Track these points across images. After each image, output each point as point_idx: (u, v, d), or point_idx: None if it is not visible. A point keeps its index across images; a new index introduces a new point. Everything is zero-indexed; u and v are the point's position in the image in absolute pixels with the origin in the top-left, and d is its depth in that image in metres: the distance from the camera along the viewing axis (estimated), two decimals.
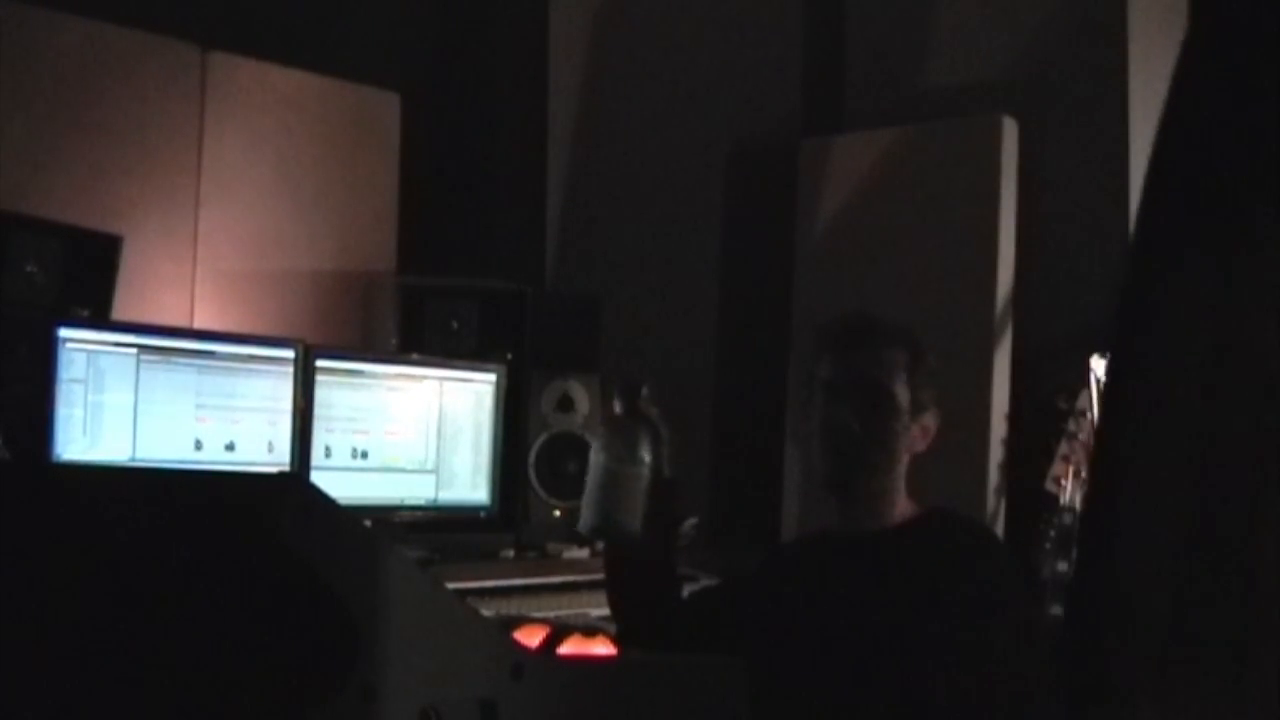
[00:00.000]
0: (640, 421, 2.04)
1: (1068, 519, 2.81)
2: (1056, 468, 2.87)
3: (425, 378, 3.25)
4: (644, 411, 2.06)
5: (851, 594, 1.90)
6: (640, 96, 4.16)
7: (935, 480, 2.04)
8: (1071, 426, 2.89)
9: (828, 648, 1.87)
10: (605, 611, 2.21)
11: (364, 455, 3.13)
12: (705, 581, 2.67)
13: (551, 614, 2.84)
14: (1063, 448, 2.88)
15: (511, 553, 3.27)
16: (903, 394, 1.94)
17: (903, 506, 1.98)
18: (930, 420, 1.98)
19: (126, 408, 2.78)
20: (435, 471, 3.24)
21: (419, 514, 3.23)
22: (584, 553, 3.24)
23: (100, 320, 2.91)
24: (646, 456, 2.02)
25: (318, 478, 2.69)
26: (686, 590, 2.25)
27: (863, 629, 1.85)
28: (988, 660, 1.79)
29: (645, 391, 2.07)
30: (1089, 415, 2.87)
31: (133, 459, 2.76)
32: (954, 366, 3.13)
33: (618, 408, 2.10)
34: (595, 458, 2.04)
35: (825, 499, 2.02)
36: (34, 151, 3.19)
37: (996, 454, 3.16)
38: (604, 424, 2.11)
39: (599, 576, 2.23)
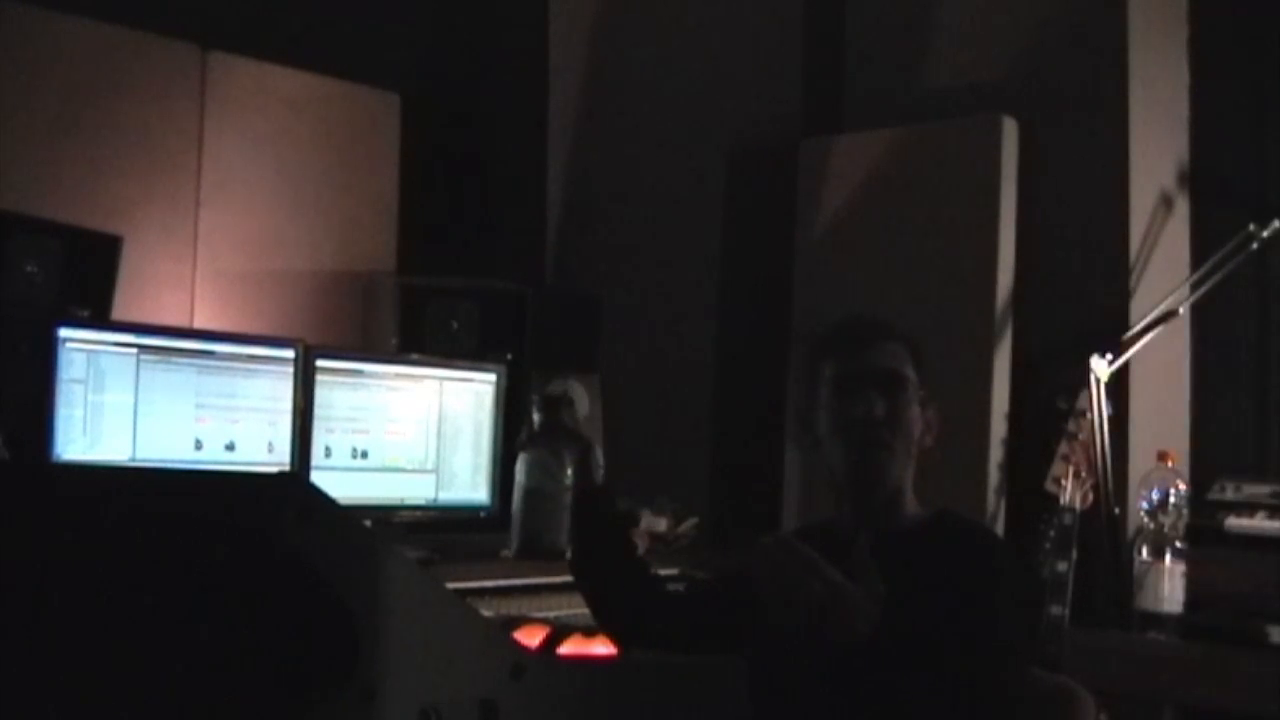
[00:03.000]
0: (561, 435, 2.04)
1: (1068, 519, 2.81)
2: (1056, 468, 2.87)
3: (425, 378, 3.25)
4: (565, 424, 2.06)
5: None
6: (640, 96, 4.16)
7: (935, 480, 2.04)
8: (1071, 426, 2.89)
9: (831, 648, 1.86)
10: None
11: (364, 455, 3.13)
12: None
13: (551, 614, 2.84)
14: (1063, 448, 2.88)
15: (511, 553, 3.27)
16: (913, 383, 1.95)
17: (910, 507, 1.98)
18: (933, 414, 1.99)
19: (126, 408, 2.78)
20: (435, 471, 3.24)
21: (419, 514, 3.22)
22: None
23: (100, 320, 2.91)
24: (568, 472, 2.02)
25: (318, 478, 2.69)
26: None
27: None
28: (989, 663, 1.79)
29: (566, 400, 2.07)
30: (1089, 415, 2.88)
31: (133, 459, 2.76)
32: (954, 366, 3.14)
33: (537, 421, 2.10)
34: (516, 479, 2.05)
35: (827, 499, 2.02)
36: (34, 151, 3.19)
37: (996, 454, 3.16)
38: (523, 442, 2.11)
39: None
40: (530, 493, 2.03)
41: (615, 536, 2.13)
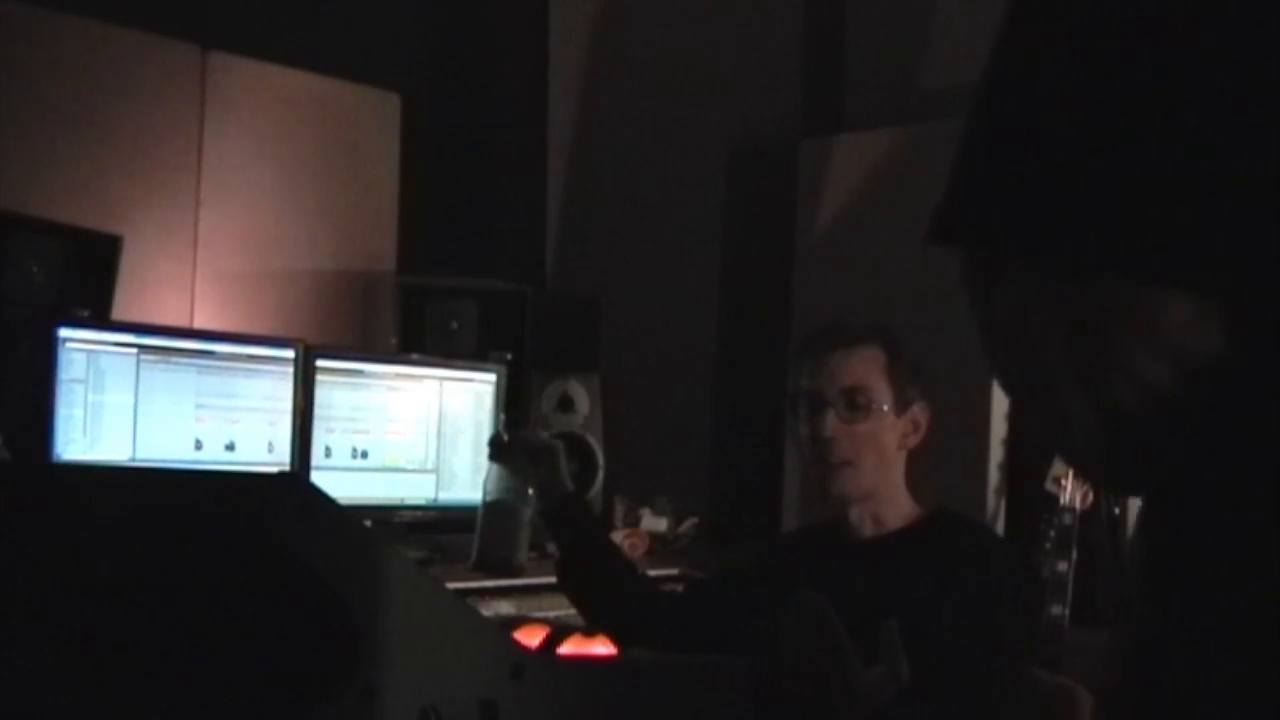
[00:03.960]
0: (521, 451, 2.07)
1: (1068, 519, 2.81)
2: (1056, 468, 2.87)
3: (425, 378, 3.25)
4: (526, 440, 2.10)
5: (853, 599, 1.89)
6: (640, 96, 4.16)
7: (935, 480, 2.04)
8: None
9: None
10: None
11: (364, 455, 3.13)
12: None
13: (551, 614, 2.84)
14: None
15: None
16: (882, 391, 1.93)
17: (905, 508, 1.97)
18: (920, 414, 1.97)
19: (126, 408, 2.78)
20: (435, 471, 3.24)
21: (419, 514, 3.22)
22: None
23: (100, 320, 2.91)
24: (528, 489, 2.05)
25: (318, 478, 2.69)
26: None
27: (864, 633, 1.84)
28: (989, 662, 1.79)
29: (533, 418, 2.11)
30: None
31: (133, 459, 2.76)
32: (954, 367, 3.14)
33: (505, 437, 2.14)
34: (482, 492, 2.09)
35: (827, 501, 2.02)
36: (34, 151, 3.19)
37: (996, 454, 3.16)
38: (489, 456, 2.15)
39: None
40: (487, 507, 2.06)
41: (593, 541, 2.14)
